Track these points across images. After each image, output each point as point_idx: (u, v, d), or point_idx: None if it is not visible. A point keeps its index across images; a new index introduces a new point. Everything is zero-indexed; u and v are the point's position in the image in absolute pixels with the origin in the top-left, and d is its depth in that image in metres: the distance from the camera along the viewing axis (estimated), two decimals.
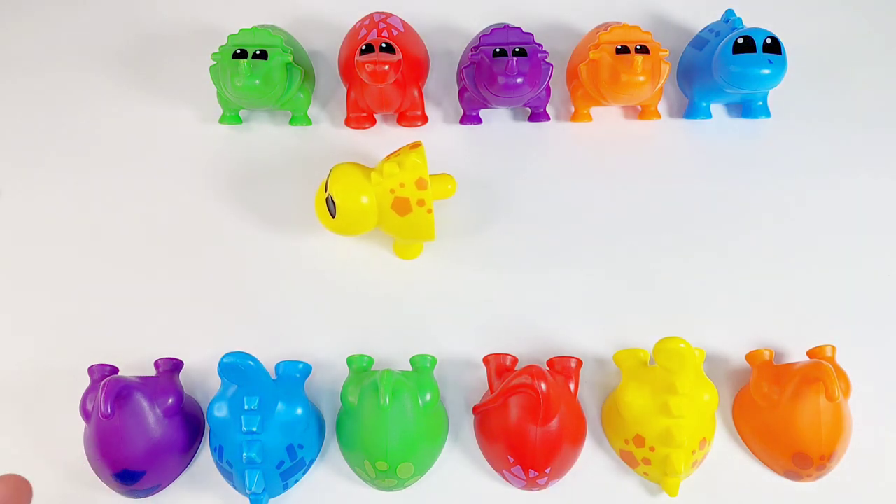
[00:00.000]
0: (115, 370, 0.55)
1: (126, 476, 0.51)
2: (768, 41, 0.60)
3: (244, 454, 0.50)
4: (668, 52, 0.61)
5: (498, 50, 0.60)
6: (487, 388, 0.56)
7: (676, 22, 0.72)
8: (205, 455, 0.56)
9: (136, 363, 0.57)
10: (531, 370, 0.51)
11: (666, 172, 0.65)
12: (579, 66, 0.64)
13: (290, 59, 0.61)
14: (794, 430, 0.53)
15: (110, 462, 0.51)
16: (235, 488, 0.52)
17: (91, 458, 0.53)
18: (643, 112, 0.67)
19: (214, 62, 0.62)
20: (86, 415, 0.53)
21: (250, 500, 0.51)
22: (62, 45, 0.70)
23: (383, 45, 0.58)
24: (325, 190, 0.55)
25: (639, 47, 0.61)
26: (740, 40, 0.60)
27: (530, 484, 0.53)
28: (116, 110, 0.68)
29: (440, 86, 0.69)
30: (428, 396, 0.53)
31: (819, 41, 0.71)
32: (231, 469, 0.51)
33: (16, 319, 0.60)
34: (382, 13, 0.66)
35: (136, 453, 0.51)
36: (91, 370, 0.55)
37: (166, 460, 0.53)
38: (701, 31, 0.68)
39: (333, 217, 0.56)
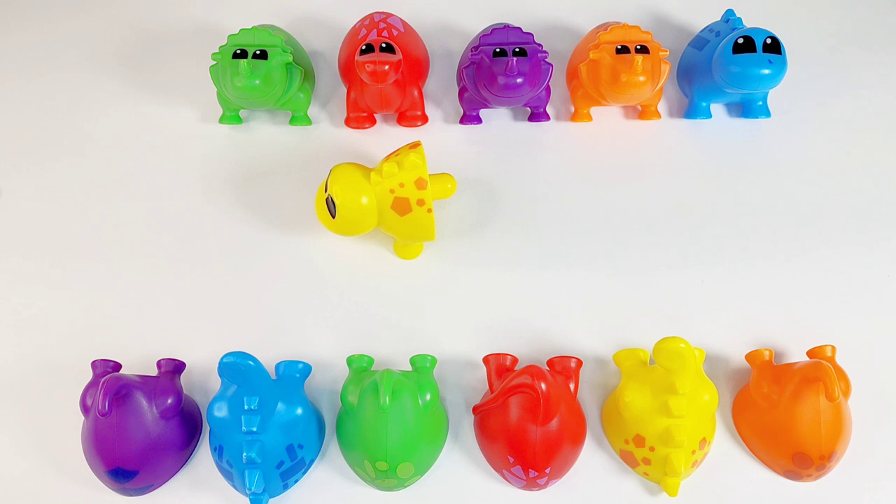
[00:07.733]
0: (117, 366, 0.55)
1: (119, 474, 0.51)
2: (768, 41, 0.60)
3: (244, 454, 0.50)
4: (668, 52, 0.61)
5: (498, 50, 0.60)
6: (487, 388, 0.56)
7: (676, 22, 0.72)
8: (204, 455, 0.56)
9: (136, 361, 0.58)
10: (531, 370, 0.51)
11: (666, 172, 0.65)
12: (579, 66, 0.64)
13: (290, 59, 0.61)
14: (794, 430, 0.52)
15: (104, 459, 0.51)
16: (235, 488, 0.52)
17: (87, 454, 0.53)
18: (643, 112, 0.67)
19: (214, 62, 0.62)
20: (85, 409, 0.53)
21: (250, 499, 0.51)
22: (63, 45, 0.70)
23: (383, 45, 0.58)
24: (325, 190, 0.55)
25: (639, 47, 0.61)
26: (740, 40, 0.60)
27: (530, 484, 0.53)
28: (117, 110, 0.68)
29: (440, 86, 0.69)
30: (428, 396, 0.53)
31: (819, 41, 0.71)
32: (231, 469, 0.51)
33: (19, 317, 0.60)
34: (382, 13, 0.66)
35: (131, 453, 0.51)
36: (94, 364, 0.55)
37: (161, 461, 0.53)
38: (701, 31, 0.68)
39: (333, 217, 0.56)
